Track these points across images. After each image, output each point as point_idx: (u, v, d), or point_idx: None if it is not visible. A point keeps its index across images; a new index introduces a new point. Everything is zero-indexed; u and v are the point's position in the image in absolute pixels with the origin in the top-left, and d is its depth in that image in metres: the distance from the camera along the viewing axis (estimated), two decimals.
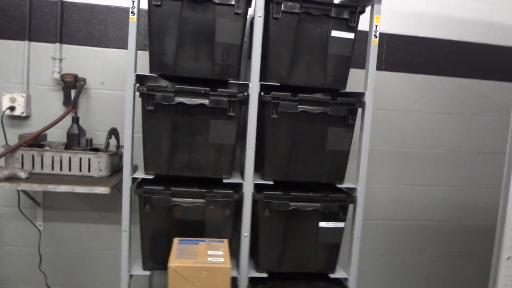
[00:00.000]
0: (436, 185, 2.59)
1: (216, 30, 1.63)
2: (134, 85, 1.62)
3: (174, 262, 1.35)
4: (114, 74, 2.25)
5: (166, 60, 1.63)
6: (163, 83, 1.70)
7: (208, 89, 1.62)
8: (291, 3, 1.65)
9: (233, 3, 1.61)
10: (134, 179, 1.68)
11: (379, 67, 2.41)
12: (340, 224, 1.77)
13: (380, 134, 2.48)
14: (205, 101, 1.62)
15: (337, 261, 1.83)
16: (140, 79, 1.67)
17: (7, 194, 2.25)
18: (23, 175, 1.75)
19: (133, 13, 1.59)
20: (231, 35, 1.64)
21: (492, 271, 1.39)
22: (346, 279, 1.82)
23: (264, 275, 1.76)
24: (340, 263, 1.88)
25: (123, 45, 2.24)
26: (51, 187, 1.69)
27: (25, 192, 2.14)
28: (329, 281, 1.82)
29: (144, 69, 2.23)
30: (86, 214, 2.31)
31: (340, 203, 1.74)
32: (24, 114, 2.17)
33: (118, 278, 2.32)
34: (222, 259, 1.40)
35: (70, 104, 2.11)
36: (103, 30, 2.23)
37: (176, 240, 1.54)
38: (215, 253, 1.45)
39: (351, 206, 1.79)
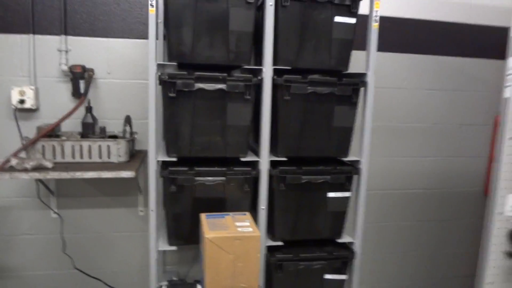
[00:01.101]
0: (424, 156, 2.80)
1: (229, 19, 1.74)
2: (156, 73, 1.71)
3: (209, 234, 1.49)
4: (120, 63, 2.32)
5: (183, 49, 1.74)
6: (168, 69, 1.79)
7: (226, 74, 1.73)
8: None
9: None
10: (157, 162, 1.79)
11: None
12: (347, 194, 1.95)
13: (373, 111, 2.65)
14: (223, 86, 1.74)
15: (343, 227, 2.01)
16: (159, 68, 1.76)
17: (18, 184, 2.31)
18: (49, 164, 1.83)
19: (152, 6, 1.67)
20: (244, 23, 1.76)
21: (485, 226, 1.60)
22: (351, 243, 2.01)
23: (280, 243, 1.92)
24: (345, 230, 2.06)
25: (128, 35, 2.31)
26: (78, 174, 1.78)
27: (41, 181, 2.21)
28: (337, 245, 2.01)
29: (147, 56, 2.31)
30: (99, 199, 2.40)
31: (347, 174, 1.91)
32: (34, 107, 2.22)
33: (136, 259, 2.46)
34: (251, 229, 1.55)
35: (83, 94, 2.17)
36: (107, 21, 2.29)
37: (203, 215, 1.68)
38: (242, 224, 1.60)
39: (355, 177, 1.97)
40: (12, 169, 1.82)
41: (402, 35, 2.63)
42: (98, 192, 2.40)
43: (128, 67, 2.33)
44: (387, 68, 2.64)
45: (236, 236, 1.50)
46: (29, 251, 2.37)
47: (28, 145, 1.91)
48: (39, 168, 1.82)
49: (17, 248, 2.36)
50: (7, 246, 2.35)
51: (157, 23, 2.26)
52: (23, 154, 1.97)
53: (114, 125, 2.32)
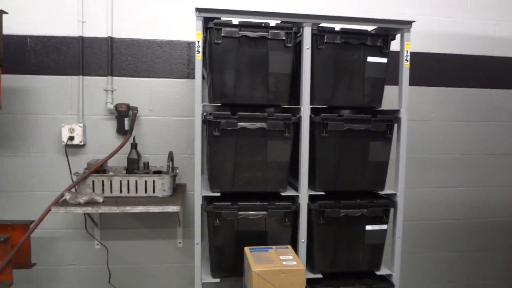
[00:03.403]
0: (453, 186, 2.83)
1: (269, 62, 1.86)
2: (202, 113, 1.83)
3: (256, 267, 1.56)
4: (161, 101, 2.47)
5: (226, 90, 1.86)
6: (208, 108, 1.91)
7: (266, 114, 1.84)
8: (333, 35, 1.89)
9: (283, 38, 1.85)
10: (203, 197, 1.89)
11: (396, 82, 2.66)
12: (384, 226, 2.00)
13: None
14: (264, 125, 1.85)
15: (381, 259, 2.05)
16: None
17: (64, 217, 2.43)
18: (100, 199, 1.95)
19: (199, 52, 1.81)
20: (282, 66, 1.88)
21: None
22: (390, 275, 2.04)
23: (319, 276, 1.97)
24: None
25: (169, 75, 2.47)
26: (128, 209, 1.89)
27: (88, 214, 2.33)
28: (376, 278, 2.04)
29: (188, 96, 2.46)
30: (139, 231, 2.50)
31: (384, 207, 1.97)
32: (82, 143, 2.37)
33: None
34: (295, 262, 1.62)
35: (128, 131, 2.31)
36: (150, 62, 2.45)
37: (247, 249, 1.75)
38: (286, 257, 1.66)
39: (391, 210, 2.02)
40: (66, 203, 1.94)
41: (429, 69, 2.72)
42: (139, 224, 2.50)
43: (169, 105, 2.47)
44: (415, 101, 2.71)
45: (282, 270, 1.56)
46: (74, 281, 2.47)
47: (80, 180, 2.04)
48: (91, 203, 1.94)
49: (62, 278, 2.46)
50: (53, 276, 2.45)
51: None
52: (73, 189, 2.10)
53: (156, 160, 2.44)
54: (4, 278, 1.87)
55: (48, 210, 1.93)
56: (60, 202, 1.98)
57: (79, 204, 1.91)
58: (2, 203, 2.38)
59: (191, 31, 2.45)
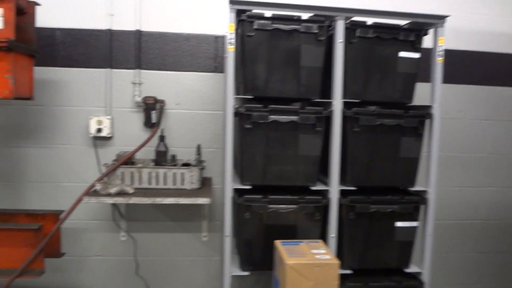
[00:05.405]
0: (480, 186, 2.78)
1: (301, 55, 1.85)
2: (233, 106, 1.83)
3: (289, 260, 1.55)
4: (188, 95, 2.47)
5: (258, 83, 1.86)
6: (236, 102, 1.90)
7: (298, 107, 1.83)
8: (365, 29, 1.87)
9: (316, 31, 1.84)
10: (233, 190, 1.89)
11: (426, 79, 2.62)
12: (414, 223, 1.98)
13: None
14: (295, 118, 1.84)
15: (411, 257, 2.02)
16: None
17: (91, 208, 2.44)
18: (130, 190, 1.96)
19: (231, 44, 1.81)
20: (314, 59, 1.87)
21: None
22: (419, 273, 2.02)
23: (349, 271, 1.95)
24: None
25: (196, 68, 2.47)
26: (158, 200, 1.90)
27: (115, 205, 2.34)
28: (405, 275, 2.02)
29: (214, 89, 2.47)
30: (164, 224, 2.51)
31: (415, 204, 1.95)
32: (110, 135, 2.39)
33: (198, 284, 2.53)
34: (328, 256, 1.60)
35: (155, 124, 2.32)
36: (177, 56, 2.46)
37: (278, 242, 1.74)
38: (318, 251, 1.65)
39: (422, 207, 1.99)
40: (96, 193, 1.96)
41: (456, 66, 2.68)
42: (164, 217, 2.51)
43: (196, 99, 2.48)
44: (442, 98, 2.65)
45: (316, 263, 1.56)
46: (100, 271, 2.48)
47: (110, 171, 2.05)
48: (121, 194, 1.95)
49: (88, 268, 2.48)
50: (79, 266, 2.47)
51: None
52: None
53: (182, 153, 2.44)
54: (36, 266, 1.89)
55: (79, 200, 1.95)
56: (91, 192, 1.99)
57: (110, 195, 1.93)
58: (30, 194, 2.41)
59: (218, 25, 2.45)
